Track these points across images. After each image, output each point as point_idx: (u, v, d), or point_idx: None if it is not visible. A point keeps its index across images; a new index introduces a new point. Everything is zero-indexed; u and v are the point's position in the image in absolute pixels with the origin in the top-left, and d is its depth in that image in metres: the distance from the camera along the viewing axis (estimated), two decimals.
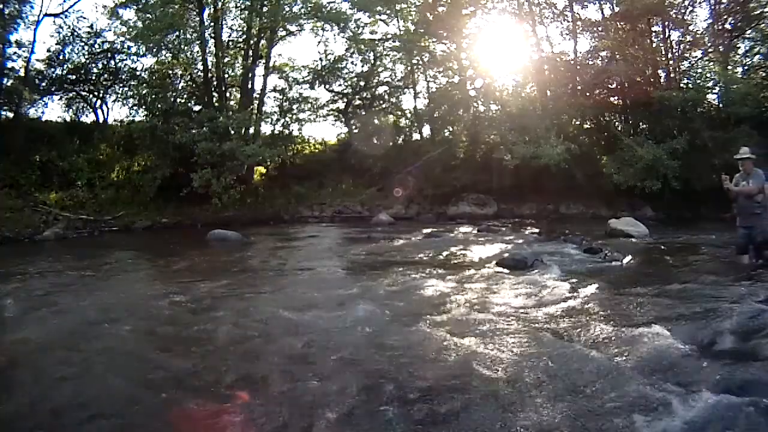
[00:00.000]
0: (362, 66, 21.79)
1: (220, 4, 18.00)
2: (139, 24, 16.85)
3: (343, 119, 22.59)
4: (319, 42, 25.13)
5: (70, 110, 19.66)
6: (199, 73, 18.06)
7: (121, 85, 19.27)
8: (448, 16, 19.25)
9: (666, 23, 17.11)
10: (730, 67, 17.27)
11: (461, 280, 6.41)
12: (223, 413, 3.00)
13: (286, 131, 20.16)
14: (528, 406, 2.93)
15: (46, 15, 17.26)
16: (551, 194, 16.58)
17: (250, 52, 18.81)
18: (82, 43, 18.39)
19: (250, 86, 19.06)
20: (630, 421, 2.71)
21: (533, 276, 6.53)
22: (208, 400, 3.15)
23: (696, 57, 17.55)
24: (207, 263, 8.76)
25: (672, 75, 17.28)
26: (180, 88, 18.56)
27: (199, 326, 4.69)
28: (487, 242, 10.15)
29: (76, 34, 18.21)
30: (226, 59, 18.72)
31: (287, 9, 18.32)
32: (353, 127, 22.32)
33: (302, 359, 3.79)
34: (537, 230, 12.28)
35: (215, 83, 18.35)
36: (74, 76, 18.62)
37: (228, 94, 19.17)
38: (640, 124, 17.36)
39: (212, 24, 17.79)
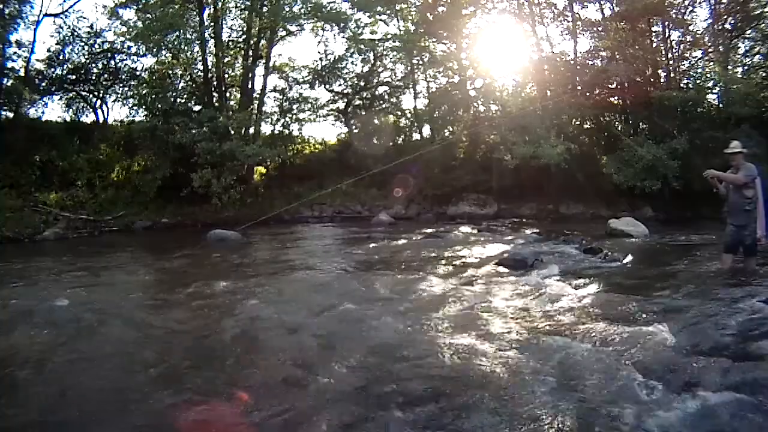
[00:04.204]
0: (362, 66, 21.84)
1: (220, 4, 18.00)
2: (139, 24, 16.85)
3: (343, 119, 22.61)
4: (319, 42, 25.14)
5: (70, 110, 19.68)
6: (199, 73, 18.05)
7: (121, 85, 19.29)
8: (448, 16, 19.26)
9: (666, 23, 17.12)
10: (730, 67, 17.29)
11: (461, 280, 6.41)
12: (223, 413, 3.00)
13: (286, 131, 20.19)
14: (528, 406, 2.92)
15: (46, 15, 17.30)
16: (551, 194, 16.59)
17: (250, 52, 18.81)
18: (82, 43, 18.41)
19: (250, 86, 19.07)
20: (630, 421, 2.71)
21: (533, 276, 6.53)
22: (208, 400, 3.15)
23: (696, 57, 17.60)
24: (207, 263, 8.76)
25: (672, 75, 17.30)
26: (180, 88, 18.55)
27: (198, 326, 4.69)
28: (487, 242, 10.15)
29: (76, 34, 18.22)
30: (226, 59, 18.73)
31: (287, 9, 18.32)
32: (353, 127, 22.33)
33: (302, 359, 3.78)
34: (537, 230, 12.27)
35: (215, 83, 18.36)
36: (74, 76, 18.62)
37: (228, 94, 19.19)
38: (640, 124, 17.38)
39: (212, 24, 17.80)
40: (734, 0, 16.67)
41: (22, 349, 4.15)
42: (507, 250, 8.62)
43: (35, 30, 17.00)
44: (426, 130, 21.85)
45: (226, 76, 18.81)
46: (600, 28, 17.84)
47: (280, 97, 20.52)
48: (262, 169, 19.34)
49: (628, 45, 16.62)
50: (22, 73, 16.76)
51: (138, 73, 18.79)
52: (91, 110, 19.88)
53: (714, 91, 16.70)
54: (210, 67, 18.05)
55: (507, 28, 19.53)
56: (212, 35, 17.89)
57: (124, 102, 19.09)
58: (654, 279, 6.10)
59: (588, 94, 17.79)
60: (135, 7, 17.16)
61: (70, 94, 19.34)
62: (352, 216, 17.46)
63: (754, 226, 5.68)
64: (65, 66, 18.25)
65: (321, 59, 21.14)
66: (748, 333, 3.95)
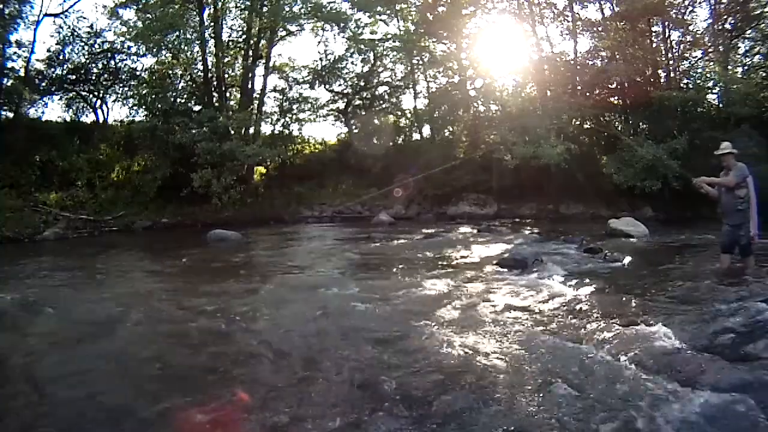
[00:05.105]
0: (362, 66, 21.89)
1: (220, 4, 18.02)
2: (139, 24, 16.89)
3: (343, 119, 22.63)
4: (319, 42, 25.23)
5: (70, 110, 19.73)
6: (199, 73, 18.07)
7: (121, 85, 19.33)
8: (448, 16, 19.28)
9: (666, 23, 17.13)
10: (730, 67, 17.28)
11: (461, 280, 6.41)
12: (223, 413, 3.00)
13: (286, 131, 20.23)
14: (528, 405, 2.92)
15: (46, 15, 17.33)
16: (551, 194, 16.59)
17: (250, 52, 18.83)
18: (82, 43, 18.44)
19: (250, 86, 19.09)
20: (630, 421, 2.71)
21: (533, 276, 6.53)
22: (208, 400, 3.15)
23: (696, 57, 17.60)
24: (207, 263, 8.76)
25: (672, 75, 17.30)
26: (180, 88, 18.60)
27: (198, 326, 4.69)
28: (487, 242, 10.15)
29: (76, 34, 18.26)
30: (226, 59, 18.75)
31: (287, 9, 18.35)
32: (353, 127, 22.35)
33: (302, 359, 3.78)
34: (537, 230, 12.28)
35: (215, 83, 18.37)
36: (74, 76, 18.64)
37: (228, 94, 19.21)
38: (640, 124, 17.37)
39: (212, 24, 17.81)
40: (734, 0, 16.67)
41: (20, 349, 4.15)
42: (507, 250, 8.62)
43: (35, 30, 17.06)
44: (426, 130, 21.89)
45: (226, 76, 18.83)
46: (600, 28, 17.84)
47: (280, 97, 20.58)
48: (262, 169, 19.35)
49: (628, 45, 16.62)
50: (22, 73, 16.78)
51: (138, 73, 18.86)
52: (91, 110, 19.94)
53: (714, 91, 16.71)
54: (210, 67, 18.07)
55: (507, 28, 19.59)
56: (212, 35, 17.91)
57: (124, 102, 19.17)
58: (654, 279, 6.09)
59: (588, 94, 17.80)
60: (135, 7, 17.19)
61: (70, 94, 19.36)
62: (352, 216, 17.46)
63: (749, 225, 5.70)
64: (65, 66, 18.29)
65: (321, 59, 21.21)
66: (748, 333, 3.94)
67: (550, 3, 18.75)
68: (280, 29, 19.31)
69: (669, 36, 17.35)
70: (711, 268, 6.46)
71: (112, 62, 19.03)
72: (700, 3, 17.23)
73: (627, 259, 7.58)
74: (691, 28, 17.25)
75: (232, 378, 3.50)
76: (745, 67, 17.75)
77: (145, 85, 18.18)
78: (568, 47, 25.86)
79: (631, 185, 14.62)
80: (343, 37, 20.69)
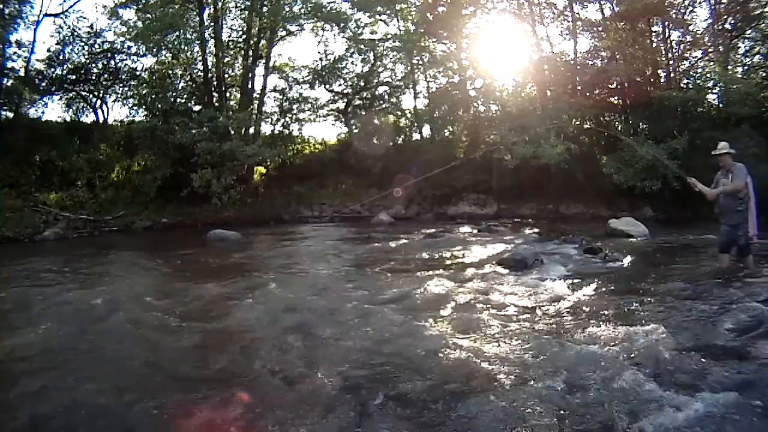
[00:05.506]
0: (362, 66, 21.92)
1: (220, 4, 18.03)
2: (139, 24, 16.90)
3: (343, 119, 22.65)
4: (319, 42, 25.26)
5: (70, 110, 19.73)
6: (199, 73, 18.08)
7: (121, 85, 19.34)
8: (448, 16, 19.28)
9: (666, 23, 17.13)
10: (730, 67, 17.28)
11: (461, 280, 6.41)
12: (223, 413, 3.00)
13: (286, 131, 20.25)
14: (528, 405, 2.92)
15: (46, 15, 17.34)
16: (551, 194, 16.59)
17: (250, 52, 18.84)
18: (82, 43, 18.45)
19: (250, 86, 19.10)
20: (630, 421, 2.71)
21: (533, 276, 6.53)
22: (207, 400, 3.15)
23: (696, 57, 17.59)
24: (206, 263, 8.76)
25: (672, 75, 17.30)
26: (180, 88, 18.60)
27: (197, 327, 4.69)
28: (487, 242, 10.15)
29: (76, 34, 18.27)
30: (226, 59, 18.76)
31: (287, 9, 18.37)
32: (353, 127, 22.36)
33: (301, 359, 3.78)
34: (537, 230, 12.27)
35: (215, 83, 18.38)
36: (74, 76, 18.65)
37: (228, 94, 19.22)
38: (640, 124, 17.37)
39: (212, 24, 17.82)
40: (734, 0, 16.67)
41: (19, 349, 4.15)
42: (507, 250, 8.61)
43: (35, 30, 17.06)
44: (426, 130, 21.91)
45: (226, 76, 18.84)
46: (600, 28, 17.84)
47: (280, 97, 20.60)
48: (262, 169, 19.37)
49: (628, 45, 16.61)
50: (22, 73, 16.79)
51: (138, 73, 18.87)
52: (91, 110, 19.94)
53: (714, 91, 16.70)
54: (210, 67, 18.08)
55: (507, 28, 19.60)
56: (212, 35, 17.92)
57: (124, 102, 19.18)
58: (654, 279, 6.09)
59: (588, 94, 17.79)
60: (135, 7, 17.21)
61: (70, 94, 19.36)
62: (351, 216, 17.46)
63: (747, 225, 5.70)
64: (65, 66, 18.29)
65: (321, 59, 21.24)
66: (747, 333, 3.94)
67: (550, 3, 18.78)
68: (280, 29, 19.33)
69: (669, 36, 17.38)
70: (711, 268, 6.47)
71: (112, 62, 19.05)
72: (700, 3, 17.28)
73: (627, 259, 7.58)
74: (691, 28, 17.27)
75: (228, 378, 3.49)
76: (745, 67, 17.75)
77: (145, 85, 18.19)
78: (568, 47, 25.86)
79: (631, 185, 14.61)
80: (343, 37, 20.76)
